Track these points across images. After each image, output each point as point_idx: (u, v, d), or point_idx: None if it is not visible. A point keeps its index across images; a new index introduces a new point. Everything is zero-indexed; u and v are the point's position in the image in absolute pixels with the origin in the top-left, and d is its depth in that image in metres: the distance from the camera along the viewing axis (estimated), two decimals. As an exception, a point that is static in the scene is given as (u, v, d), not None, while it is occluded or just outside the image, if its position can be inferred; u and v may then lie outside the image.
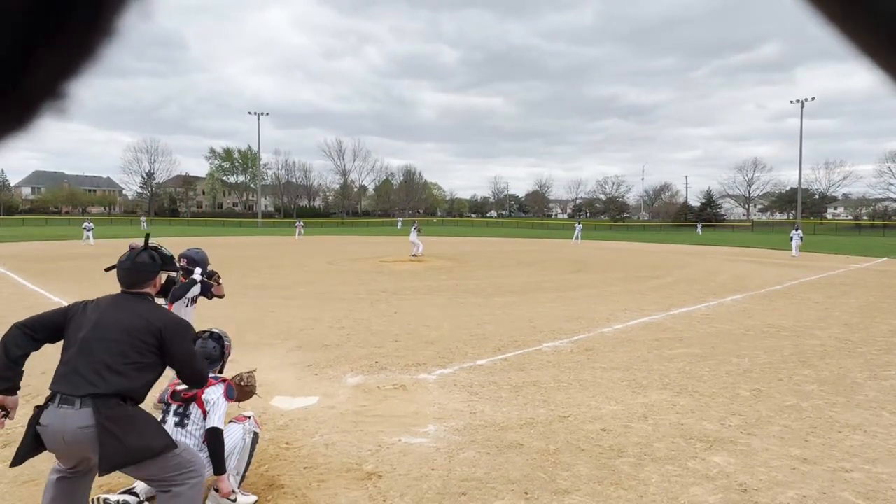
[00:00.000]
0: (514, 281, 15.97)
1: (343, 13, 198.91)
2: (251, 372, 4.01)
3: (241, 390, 3.85)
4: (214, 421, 3.38)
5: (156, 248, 3.13)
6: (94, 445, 2.58)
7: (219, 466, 3.36)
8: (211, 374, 3.61)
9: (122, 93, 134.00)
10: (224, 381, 3.63)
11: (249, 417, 3.82)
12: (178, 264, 4.99)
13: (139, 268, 3.02)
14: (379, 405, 5.37)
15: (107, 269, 3.31)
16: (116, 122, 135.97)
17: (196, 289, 5.23)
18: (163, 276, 3.13)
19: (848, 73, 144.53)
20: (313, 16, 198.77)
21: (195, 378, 3.01)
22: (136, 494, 3.42)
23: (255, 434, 3.79)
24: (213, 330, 3.92)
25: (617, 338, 8.49)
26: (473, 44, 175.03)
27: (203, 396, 3.46)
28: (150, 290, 3.06)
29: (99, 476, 2.73)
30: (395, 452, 4.29)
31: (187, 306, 5.16)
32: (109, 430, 2.56)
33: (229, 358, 3.97)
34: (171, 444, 2.76)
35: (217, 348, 3.80)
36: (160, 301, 3.27)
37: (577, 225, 42.70)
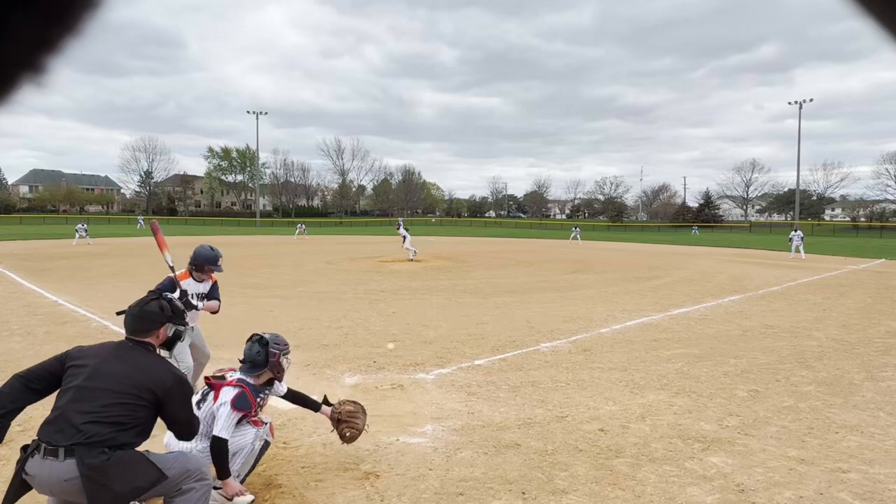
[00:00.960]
0: (512, 281, 15.98)
1: (341, 12, 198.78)
2: (355, 408, 3.86)
3: (338, 424, 3.86)
4: (217, 429, 3.36)
5: (169, 300, 3.13)
6: (81, 496, 2.58)
7: (221, 472, 3.36)
8: (244, 376, 3.64)
9: (119, 91, 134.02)
10: (241, 387, 3.54)
11: (266, 424, 3.75)
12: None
13: (146, 315, 3.00)
14: (377, 405, 5.36)
15: (118, 313, 3.26)
16: (114, 120, 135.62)
17: (206, 286, 5.22)
18: (170, 329, 3.12)
19: (846, 75, 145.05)
20: (311, 15, 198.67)
21: (184, 436, 3.01)
22: None
23: (267, 442, 3.77)
24: (265, 335, 3.75)
25: (615, 338, 8.49)
26: (472, 43, 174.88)
27: (220, 394, 3.53)
28: (153, 339, 3.02)
29: None
30: (393, 452, 4.30)
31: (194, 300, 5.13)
32: (94, 480, 2.55)
33: (287, 367, 3.81)
34: (161, 476, 2.74)
35: (261, 353, 3.64)
36: (163, 354, 3.19)
37: (574, 228, 43.13)
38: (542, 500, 3.60)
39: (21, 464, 2.64)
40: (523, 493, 3.68)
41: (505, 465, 4.08)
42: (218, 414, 3.42)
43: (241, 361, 3.73)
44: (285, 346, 3.78)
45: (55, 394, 2.83)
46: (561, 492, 3.71)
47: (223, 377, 3.68)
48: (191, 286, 5.14)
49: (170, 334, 3.11)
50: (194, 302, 5.08)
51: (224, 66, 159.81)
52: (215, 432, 3.35)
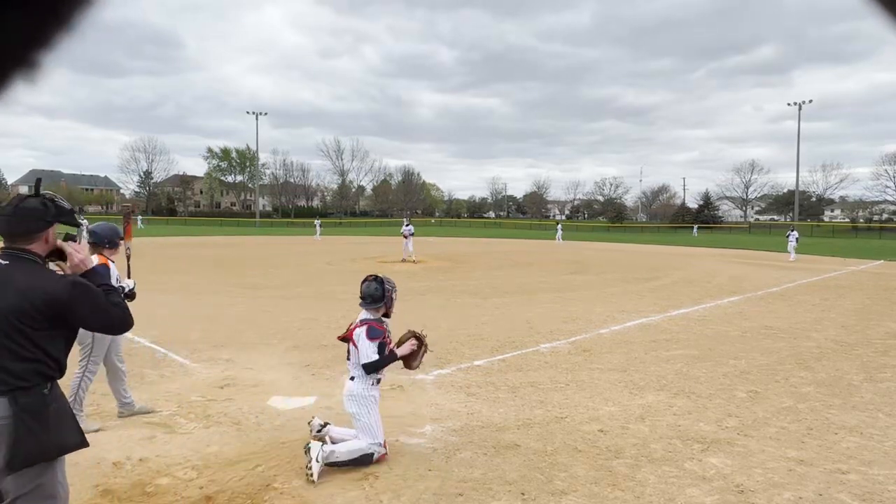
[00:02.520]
0: (511, 282, 15.98)
1: (339, 12, 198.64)
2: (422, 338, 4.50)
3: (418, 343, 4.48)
4: (364, 359, 4.12)
5: (52, 199, 2.44)
6: (4, 440, 2.25)
7: (391, 360, 4.27)
8: (368, 316, 4.24)
9: (117, 91, 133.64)
10: (366, 323, 4.19)
11: (383, 447, 4.20)
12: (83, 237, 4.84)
13: (25, 214, 2.35)
14: (376, 405, 5.36)
15: None
16: (113, 120, 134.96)
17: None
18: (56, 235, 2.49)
19: (844, 76, 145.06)
20: (309, 15, 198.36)
21: (117, 328, 2.50)
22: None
23: (373, 455, 4.10)
24: (378, 275, 4.38)
25: (614, 339, 8.50)
26: (470, 44, 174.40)
27: (353, 337, 4.20)
28: (37, 247, 2.38)
29: (9, 472, 2.28)
30: (392, 453, 4.29)
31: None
32: (25, 422, 2.26)
33: (395, 302, 4.40)
34: (84, 442, 2.45)
35: (378, 289, 4.26)
36: (54, 267, 2.53)
37: (558, 227, 42.57)
38: (542, 500, 3.60)
39: None
40: (523, 493, 3.68)
41: (504, 466, 4.08)
42: (361, 351, 4.14)
43: (361, 299, 4.33)
44: (394, 286, 4.41)
45: None
46: (560, 492, 3.71)
47: (350, 328, 4.34)
48: (114, 271, 4.84)
49: (59, 241, 2.51)
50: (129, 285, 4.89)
51: (223, 66, 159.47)
52: (363, 362, 4.14)
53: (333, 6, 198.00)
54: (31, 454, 2.28)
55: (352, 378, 4.28)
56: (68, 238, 2.54)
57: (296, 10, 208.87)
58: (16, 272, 2.33)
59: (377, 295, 4.29)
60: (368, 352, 4.14)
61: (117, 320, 2.45)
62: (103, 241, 4.84)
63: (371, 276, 4.42)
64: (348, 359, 4.33)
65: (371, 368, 4.15)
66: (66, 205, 2.50)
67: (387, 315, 4.41)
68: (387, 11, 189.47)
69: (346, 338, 4.31)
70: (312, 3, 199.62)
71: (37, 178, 2.57)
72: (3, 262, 2.35)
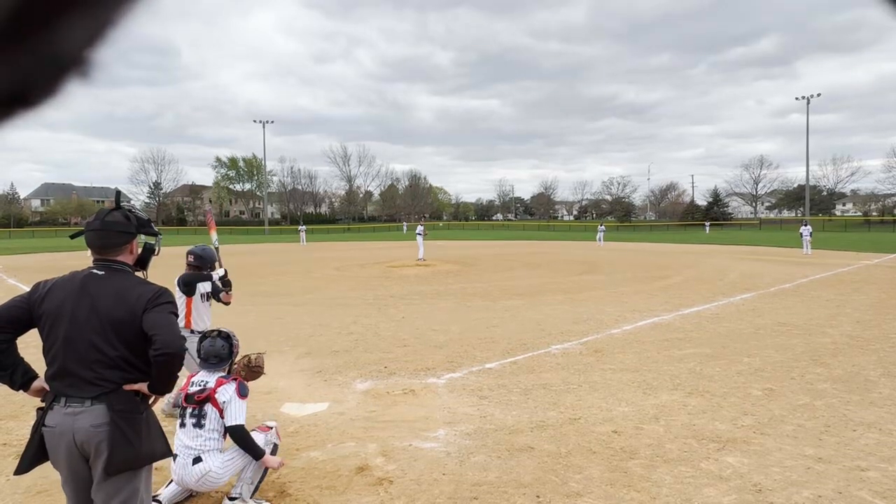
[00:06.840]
0: (521, 283, 15.95)
1: (329, 15, 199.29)
2: (260, 354, 4.13)
3: (249, 371, 3.96)
4: (235, 418, 3.50)
5: (130, 210, 2.61)
6: (102, 447, 2.34)
7: (254, 453, 3.53)
8: (221, 374, 3.68)
9: (118, 102, 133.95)
10: (235, 379, 3.67)
11: (272, 428, 3.86)
12: (187, 260, 5.22)
13: (111, 227, 2.51)
14: (388, 410, 5.37)
15: (72, 237, 2.87)
16: (115, 131, 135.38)
17: (207, 286, 5.29)
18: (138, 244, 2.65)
19: (849, 66, 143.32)
20: (300, 19, 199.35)
21: (168, 345, 2.38)
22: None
23: (275, 445, 3.83)
24: (222, 329, 3.90)
25: (626, 339, 8.45)
26: (464, 45, 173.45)
27: (216, 396, 3.54)
28: (125, 257, 2.56)
29: (105, 477, 2.37)
30: (406, 457, 4.29)
31: (204, 301, 5.23)
32: (122, 430, 2.34)
33: (237, 358, 3.97)
34: (170, 451, 2.60)
35: (226, 347, 3.77)
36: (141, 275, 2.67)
37: (600, 227, 41.14)
38: (557, 502, 3.58)
39: (41, 420, 2.41)
40: (538, 496, 3.66)
41: (518, 469, 4.07)
42: (228, 410, 3.51)
43: (203, 360, 3.71)
44: (238, 340, 3.91)
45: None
46: (576, 494, 3.69)
47: (201, 390, 3.58)
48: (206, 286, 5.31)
49: (139, 250, 2.65)
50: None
51: (219, 74, 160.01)
52: (232, 422, 3.49)
53: (323, 9, 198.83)
54: (126, 460, 2.36)
55: (198, 459, 3.44)
56: (147, 247, 2.66)
57: (285, 14, 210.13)
58: (113, 282, 2.47)
59: (224, 354, 3.72)
60: (240, 412, 3.51)
61: (175, 339, 2.42)
62: (206, 265, 5.39)
63: (213, 331, 3.86)
64: (181, 425, 3.55)
65: (239, 433, 3.49)
66: (144, 216, 2.65)
67: (228, 373, 3.79)
68: (376, 13, 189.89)
69: (201, 398, 3.53)
70: (301, 6, 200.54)
71: (116, 191, 2.70)
72: (99, 272, 2.49)
